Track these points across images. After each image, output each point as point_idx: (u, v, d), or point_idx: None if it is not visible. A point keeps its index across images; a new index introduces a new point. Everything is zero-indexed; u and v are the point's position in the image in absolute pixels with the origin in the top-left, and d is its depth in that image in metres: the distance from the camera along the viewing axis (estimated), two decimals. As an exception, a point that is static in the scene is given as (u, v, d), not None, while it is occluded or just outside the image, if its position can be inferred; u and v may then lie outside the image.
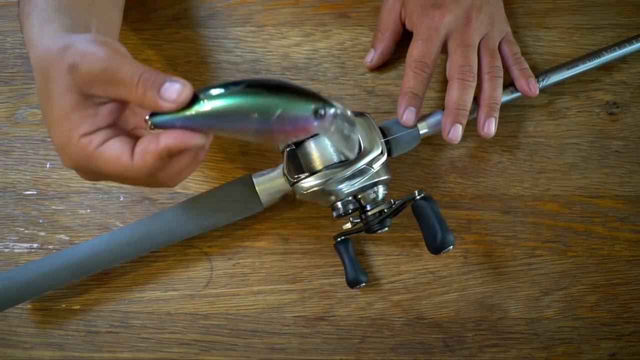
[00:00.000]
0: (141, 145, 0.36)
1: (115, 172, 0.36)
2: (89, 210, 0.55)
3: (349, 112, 0.38)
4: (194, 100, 0.35)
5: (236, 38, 0.58)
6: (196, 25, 0.58)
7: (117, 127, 0.38)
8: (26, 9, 0.41)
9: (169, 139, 0.35)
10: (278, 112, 0.35)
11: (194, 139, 0.35)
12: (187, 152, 0.37)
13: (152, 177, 0.37)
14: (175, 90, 0.34)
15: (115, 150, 0.36)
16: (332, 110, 0.36)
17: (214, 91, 0.35)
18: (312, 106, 0.35)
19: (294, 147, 0.48)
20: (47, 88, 0.37)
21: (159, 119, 0.36)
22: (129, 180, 0.38)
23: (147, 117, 0.36)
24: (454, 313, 0.53)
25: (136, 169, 0.36)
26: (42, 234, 0.55)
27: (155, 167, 0.36)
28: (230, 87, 0.35)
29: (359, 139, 0.47)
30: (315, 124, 0.36)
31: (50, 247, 0.54)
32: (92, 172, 0.38)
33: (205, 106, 0.35)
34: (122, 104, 0.38)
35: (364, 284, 0.51)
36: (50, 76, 0.36)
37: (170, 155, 0.36)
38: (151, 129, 0.36)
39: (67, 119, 0.36)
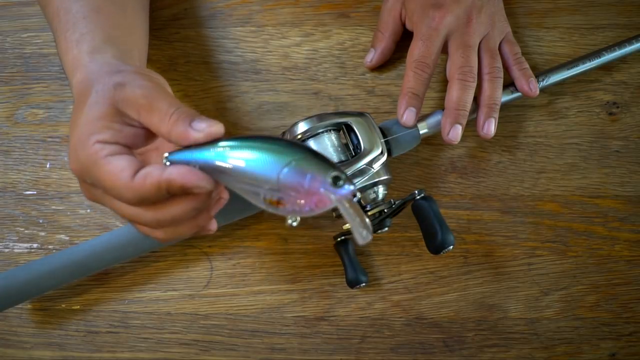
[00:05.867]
0: (147, 169, 0.36)
1: (113, 185, 0.36)
2: (89, 210, 0.55)
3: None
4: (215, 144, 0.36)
5: (236, 38, 0.58)
6: (196, 25, 0.58)
7: (133, 152, 0.38)
8: (70, 36, 0.42)
9: (173, 171, 0.35)
10: (290, 162, 0.33)
11: (199, 180, 0.35)
12: (187, 199, 0.36)
13: (146, 211, 0.37)
14: (207, 123, 0.36)
15: (120, 164, 0.36)
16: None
17: (237, 137, 0.36)
18: (332, 172, 0.33)
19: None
20: (85, 96, 0.38)
21: (176, 156, 0.36)
22: (122, 200, 0.37)
23: (166, 154, 0.36)
24: (454, 313, 0.53)
25: (132, 189, 0.35)
26: (42, 234, 0.55)
27: (151, 194, 0.35)
28: (252, 137, 0.35)
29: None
30: (332, 192, 0.33)
31: (50, 247, 0.54)
32: (92, 183, 0.38)
33: (221, 146, 0.35)
34: (148, 136, 0.38)
35: (364, 284, 0.51)
36: (93, 88, 0.38)
37: (170, 189, 0.35)
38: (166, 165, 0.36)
39: (92, 123, 0.37)
